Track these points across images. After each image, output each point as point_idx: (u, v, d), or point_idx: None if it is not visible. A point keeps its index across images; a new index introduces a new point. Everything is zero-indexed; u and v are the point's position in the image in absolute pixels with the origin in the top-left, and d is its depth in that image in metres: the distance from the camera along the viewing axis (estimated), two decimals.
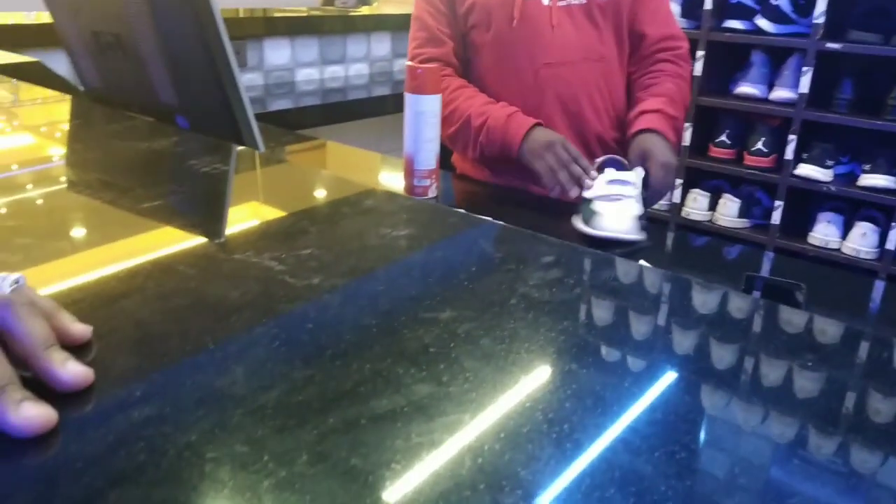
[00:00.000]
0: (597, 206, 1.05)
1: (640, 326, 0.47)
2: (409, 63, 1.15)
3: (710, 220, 2.57)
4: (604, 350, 0.43)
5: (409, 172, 1.16)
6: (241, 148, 0.86)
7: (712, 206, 2.58)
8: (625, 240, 1.01)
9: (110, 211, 0.62)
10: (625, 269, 0.57)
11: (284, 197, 0.71)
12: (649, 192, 1.19)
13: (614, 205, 1.04)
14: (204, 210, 0.66)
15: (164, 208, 0.63)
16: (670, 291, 0.55)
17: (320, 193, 0.73)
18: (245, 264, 0.51)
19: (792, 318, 0.50)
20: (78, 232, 0.60)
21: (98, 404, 0.35)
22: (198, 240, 0.57)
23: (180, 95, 1.03)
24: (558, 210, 1.27)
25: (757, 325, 0.50)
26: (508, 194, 1.37)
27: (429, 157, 1.15)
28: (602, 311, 0.49)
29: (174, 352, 0.40)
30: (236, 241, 0.57)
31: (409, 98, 1.13)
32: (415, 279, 0.51)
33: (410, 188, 1.17)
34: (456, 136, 1.37)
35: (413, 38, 1.43)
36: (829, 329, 0.49)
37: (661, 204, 2.61)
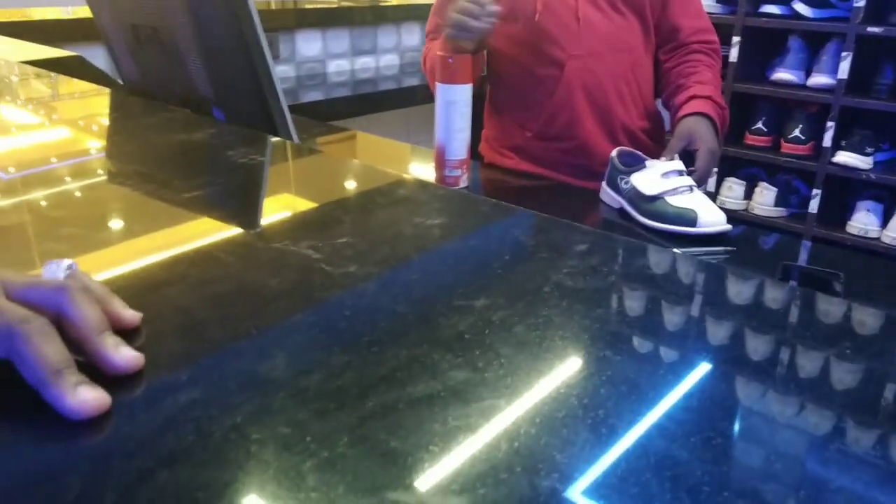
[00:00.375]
0: (676, 201, 1.03)
1: (674, 315, 0.47)
2: (440, 53, 1.15)
3: (745, 209, 2.53)
4: (638, 338, 0.43)
5: (441, 163, 1.17)
6: (275, 139, 0.87)
7: (748, 195, 2.53)
8: (724, 232, 1.01)
9: (151, 202, 0.64)
10: (659, 258, 0.57)
11: (319, 187, 0.72)
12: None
13: (694, 198, 1.03)
14: (241, 200, 0.68)
15: (203, 199, 0.64)
16: (705, 280, 0.55)
17: (353, 184, 0.74)
18: (283, 253, 0.52)
19: (829, 307, 0.50)
20: (120, 222, 0.61)
21: (147, 388, 0.36)
22: (236, 229, 0.58)
23: (216, 88, 1.05)
24: (588, 198, 1.27)
25: (793, 314, 0.50)
26: (537, 183, 1.37)
27: (460, 146, 1.16)
28: (636, 300, 0.49)
29: (217, 337, 0.41)
30: (273, 231, 0.58)
31: (439, 88, 1.13)
32: (448, 267, 0.52)
33: (441, 178, 1.18)
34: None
35: (429, 23, 1.45)
36: (867, 318, 0.49)
37: None
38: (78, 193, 0.68)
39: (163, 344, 0.40)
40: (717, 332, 0.45)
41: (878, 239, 2.26)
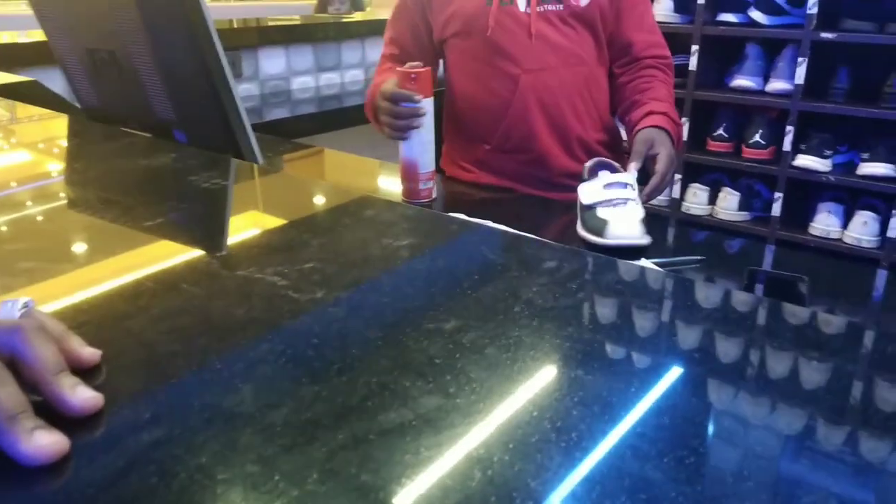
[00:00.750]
0: (601, 212, 1.03)
1: (644, 329, 0.47)
2: (400, 68, 1.15)
3: (710, 215, 2.57)
4: (609, 355, 0.43)
5: (413, 176, 1.17)
6: (239, 161, 0.86)
7: (712, 200, 2.57)
8: (636, 245, 0.99)
9: (112, 230, 0.63)
10: (627, 272, 0.57)
11: (284, 210, 0.71)
12: (651, 185, 1.19)
13: (619, 210, 1.02)
14: (205, 226, 0.67)
15: (166, 226, 0.63)
16: (673, 292, 0.55)
17: (320, 204, 0.73)
18: (248, 280, 0.51)
19: (796, 315, 0.50)
20: (81, 252, 0.60)
21: (108, 428, 0.35)
22: (200, 257, 0.57)
23: (177, 110, 1.04)
24: (552, 210, 1.27)
25: (761, 324, 0.50)
26: (500, 195, 1.38)
27: (430, 159, 1.17)
28: (606, 315, 0.49)
29: (181, 372, 0.40)
30: (239, 257, 0.57)
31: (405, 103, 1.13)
32: (418, 289, 0.51)
33: (412, 192, 1.17)
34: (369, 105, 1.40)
35: (385, 42, 1.47)
36: (833, 325, 0.49)
37: (661, 199, 2.61)
38: (36, 223, 0.66)
39: (124, 380, 0.39)
40: (687, 345, 0.45)
41: (839, 240, 2.32)
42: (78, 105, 1.26)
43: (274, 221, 0.67)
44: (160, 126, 1.06)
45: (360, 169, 1.48)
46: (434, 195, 1.19)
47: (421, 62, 1.27)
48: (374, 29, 2.63)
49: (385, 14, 3.09)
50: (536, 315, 0.47)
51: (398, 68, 1.17)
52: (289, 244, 0.59)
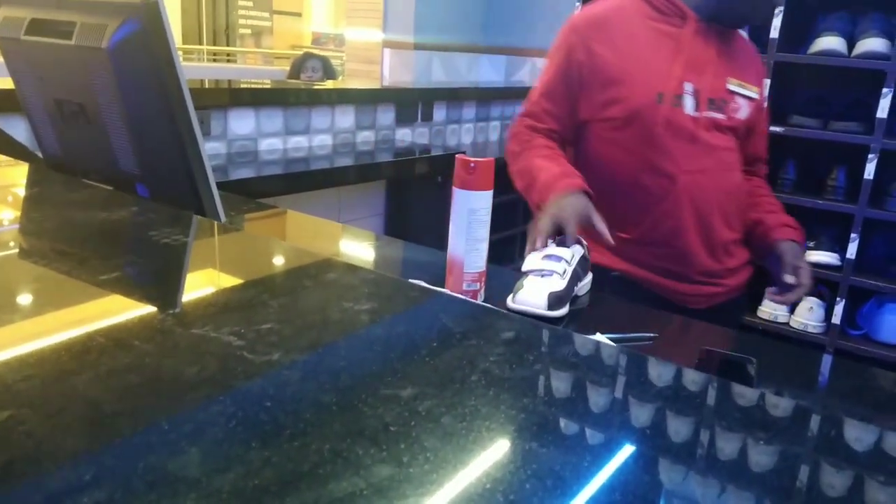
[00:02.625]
0: (525, 279, 1.05)
1: (598, 404, 0.48)
2: (461, 155, 1.06)
3: None
4: (563, 428, 0.43)
5: (457, 274, 1.06)
6: (200, 218, 0.86)
7: None
8: (537, 314, 1.00)
9: (65, 282, 0.61)
10: (583, 345, 0.58)
11: (244, 269, 0.71)
12: (798, 294, 1.33)
13: (537, 280, 1.04)
14: (162, 283, 0.66)
15: (122, 280, 0.62)
16: (627, 368, 0.56)
17: (281, 265, 0.73)
18: (203, 339, 0.50)
19: (745, 396, 0.51)
20: (30, 304, 0.58)
21: (48, 490, 0.33)
22: (155, 314, 0.56)
23: (142, 164, 1.03)
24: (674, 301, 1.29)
25: (711, 403, 0.51)
26: (630, 280, 1.38)
27: (479, 258, 1.05)
28: (560, 388, 0.49)
29: (126, 432, 0.39)
30: (194, 315, 0.56)
31: (459, 194, 1.03)
32: (376, 355, 0.51)
33: (455, 289, 1.06)
34: (516, 174, 1.39)
35: (532, 102, 1.42)
36: (780, 406, 0.50)
37: None
38: None
39: (67, 439, 0.37)
40: (640, 423, 0.46)
41: (787, 324, 2.38)
42: (40, 154, 1.25)
43: (233, 280, 0.66)
44: (123, 179, 1.05)
45: (323, 232, 1.48)
46: (481, 298, 1.07)
47: (559, 130, 1.29)
48: (345, 98, 2.68)
49: (356, 84, 3.17)
50: (493, 385, 0.47)
51: (458, 156, 1.06)
52: (246, 304, 0.59)
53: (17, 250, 0.71)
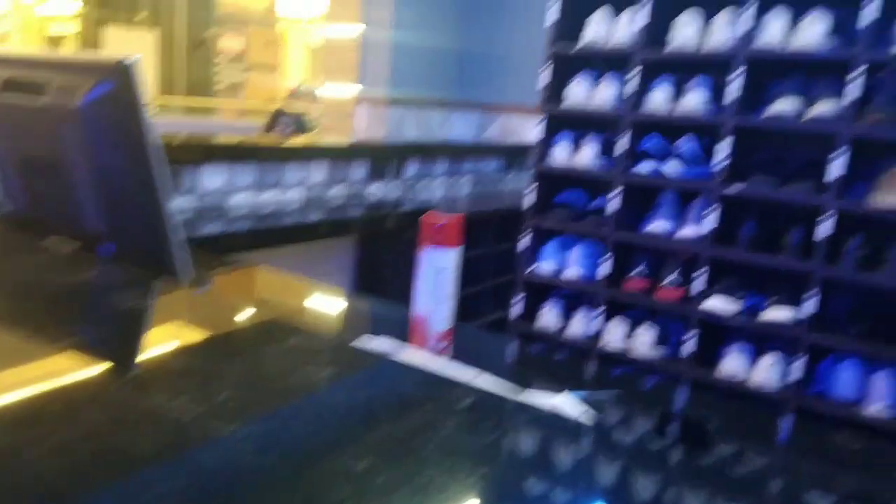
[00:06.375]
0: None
1: (556, 471, 0.49)
2: (429, 213, 1.03)
3: (626, 349, 2.66)
4: (519, 498, 0.44)
5: (422, 335, 1.02)
6: (165, 278, 0.86)
7: (631, 335, 2.67)
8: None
9: (17, 350, 0.61)
10: (540, 414, 0.60)
11: (206, 333, 0.71)
12: None
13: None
14: (119, 350, 0.66)
15: (77, 348, 0.62)
16: (583, 437, 0.58)
17: (244, 328, 0.73)
18: (158, 409, 0.50)
19: (704, 457, 0.53)
20: None
21: None
22: (110, 382, 0.56)
23: (110, 221, 1.04)
24: None
25: (671, 465, 0.52)
26: None
27: (445, 317, 1.03)
28: (518, 456, 0.50)
29: None
30: (150, 384, 0.56)
31: (427, 252, 1.01)
32: (333, 425, 0.52)
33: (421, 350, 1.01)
34: None
35: None
36: (740, 466, 0.52)
37: (579, 335, 2.70)
38: None
39: None
40: (601, 489, 0.47)
41: (745, 381, 2.42)
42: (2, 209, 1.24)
43: (193, 345, 0.67)
44: (90, 236, 1.05)
45: (291, 289, 1.48)
46: (448, 356, 0.99)
47: None
48: (316, 153, 2.72)
49: (330, 140, 3.20)
50: (449, 455, 0.48)
51: (425, 214, 1.04)
52: (205, 371, 0.59)
53: None
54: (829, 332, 2.35)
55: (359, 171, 2.91)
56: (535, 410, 0.60)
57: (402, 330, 1.14)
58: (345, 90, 3.48)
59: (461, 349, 1.09)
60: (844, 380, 2.35)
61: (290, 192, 2.61)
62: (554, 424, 0.58)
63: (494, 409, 0.58)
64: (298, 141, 2.95)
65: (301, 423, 0.51)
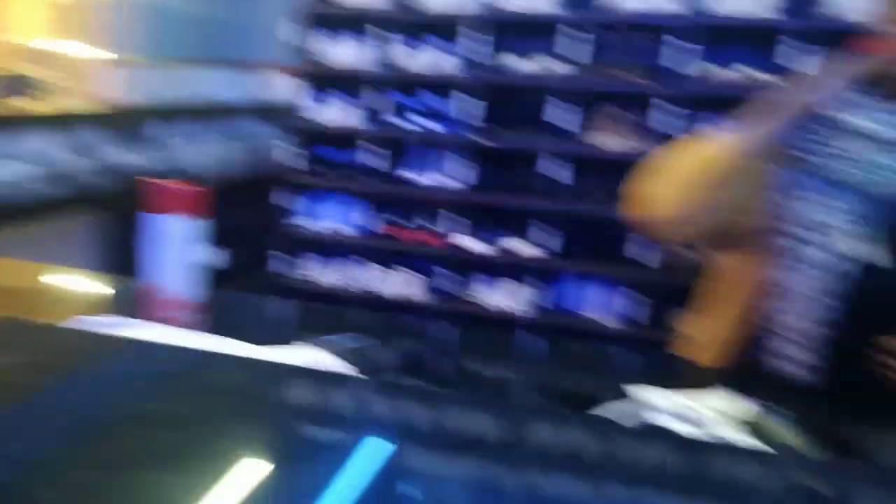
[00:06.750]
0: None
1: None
2: (152, 180, 1.03)
3: (385, 294, 2.80)
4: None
5: (162, 307, 1.02)
6: None
7: (387, 279, 2.82)
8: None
9: None
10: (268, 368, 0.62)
11: None
12: None
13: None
14: None
15: None
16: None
17: None
18: None
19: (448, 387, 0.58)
20: None
21: None
22: None
23: None
24: None
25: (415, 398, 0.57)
26: None
27: (189, 286, 1.03)
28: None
29: None
30: None
31: (153, 218, 1.01)
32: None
33: (156, 320, 0.98)
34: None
35: None
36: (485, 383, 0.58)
37: (338, 284, 2.81)
38: None
39: None
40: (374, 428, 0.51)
41: (497, 309, 2.70)
42: None
43: None
44: None
45: (24, 274, 1.34)
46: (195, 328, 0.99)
47: None
48: (50, 120, 2.42)
49: (69, 104, 2.86)
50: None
51: (149, 181, 1.01)
52: None
53: None
54: (571, 260, 2.69)
55: (99, 137, 2.64)
56: (267, 364, 0.63)
57: (135, 306, 1.05)
58: (86, 51, 3.11)
59: (220, 316, 1.06)
60: (582, 298, 2.72)
61: (16, 164, 2.32)
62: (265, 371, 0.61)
63: (221, 368, 0.61)
64: (23, 106, 2.61)
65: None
